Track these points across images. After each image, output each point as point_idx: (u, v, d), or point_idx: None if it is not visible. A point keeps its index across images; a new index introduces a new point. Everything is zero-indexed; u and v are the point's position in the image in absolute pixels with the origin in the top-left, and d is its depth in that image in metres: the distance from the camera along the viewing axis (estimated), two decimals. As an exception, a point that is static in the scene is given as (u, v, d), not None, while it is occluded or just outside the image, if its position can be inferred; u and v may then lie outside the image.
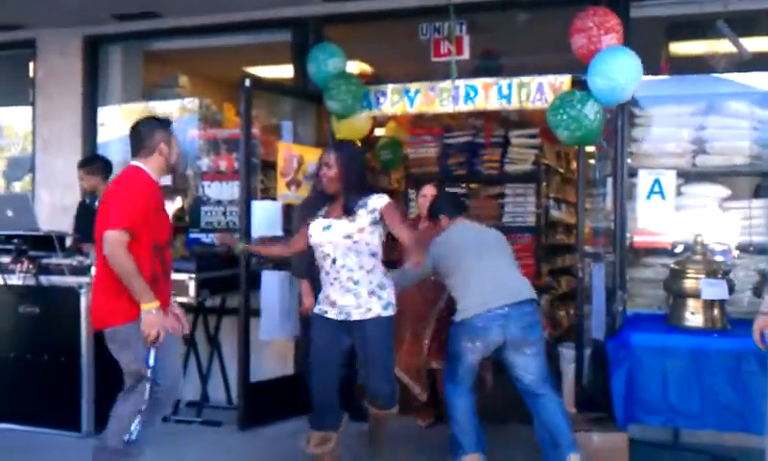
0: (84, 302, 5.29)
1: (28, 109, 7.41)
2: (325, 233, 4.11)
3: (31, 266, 5.41)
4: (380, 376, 4.19)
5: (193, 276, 5.43)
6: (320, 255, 4.16)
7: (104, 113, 7.22)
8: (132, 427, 3.72)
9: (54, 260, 5.45)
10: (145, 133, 3.91)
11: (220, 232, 4.95)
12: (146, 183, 3.82)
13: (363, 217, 4.05)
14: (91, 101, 7.19)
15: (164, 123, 4.04)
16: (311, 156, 6.08)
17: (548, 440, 4.36)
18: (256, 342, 5.69)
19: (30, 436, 5.32)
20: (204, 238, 6.52)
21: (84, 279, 5.30)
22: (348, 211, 4.06)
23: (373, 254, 4.10)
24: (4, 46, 7.47)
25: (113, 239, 3.62)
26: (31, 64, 7.37)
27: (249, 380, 5.60)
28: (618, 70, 4.68)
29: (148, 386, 3.74)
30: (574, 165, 7.06)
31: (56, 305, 5.41)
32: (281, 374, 5.99)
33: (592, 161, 5.90)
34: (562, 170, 8.29)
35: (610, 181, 5.25)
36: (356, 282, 4.06)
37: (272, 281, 5.76)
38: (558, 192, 8.14)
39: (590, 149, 5.66)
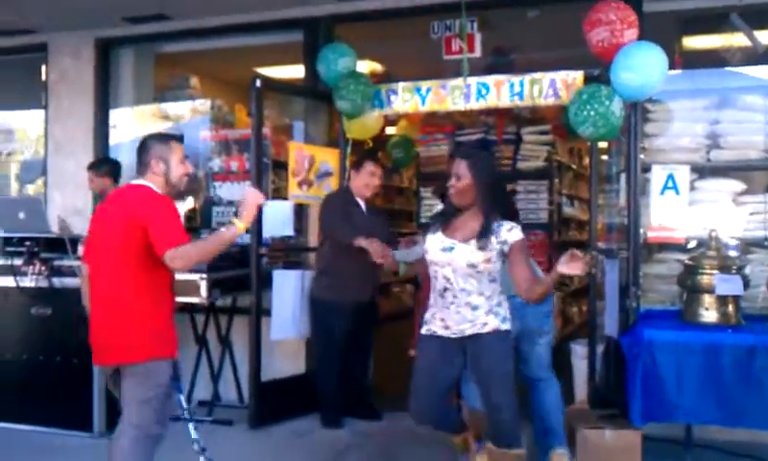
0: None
1: (40, 112, 7.44)
2: (445, 255, 3.74)
3: (43, 268, 5.42)
4: (500, 397, 3.69)
5: (204, 276, 5.42)
6: (433, 273, 3.83)
7: (115, 116, 7.25)
8: None
9: (66, 262, 5.46)
10: (141, 151, 3.71)
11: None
12: (170, 201, 3.61)
13: (492, 248, 3.68)
14: (103, 103, 7.22)
15: (165, 139, 3.80)
16: (322, 155, 6.08)
17: (542, 433, 4.41)
18: (267, 341, 5.68)
19: (43, 437, 5.34)
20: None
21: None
22: (482, 237, 3.67)
23: (494, 281, 3.77)
24: (16, 50, 7.51)
25: (179, 256, 3.40)
26: (43, 68, 7.40)
27: (260, 379, 5.59)
28: (648, 64, 4.62)
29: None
30: (587, 161, 7.00)
31: (68, 307, 5.40)
32: (292, 373, 5.98)
33: (605, 157, 5.85)
34: (574, 166, 8.24)
35: (623, 176, 5.20)
36: (475, 308, 3.73)
37: (283, 281, 5.75)
38: (570, 189, 8.09)
39: (603, 145, 5.61)
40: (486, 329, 3.72)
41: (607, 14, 4.77)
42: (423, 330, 3.89)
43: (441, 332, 3.81)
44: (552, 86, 5.38)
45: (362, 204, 5.59)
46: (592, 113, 4.70)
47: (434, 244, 3.79)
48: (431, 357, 3.83)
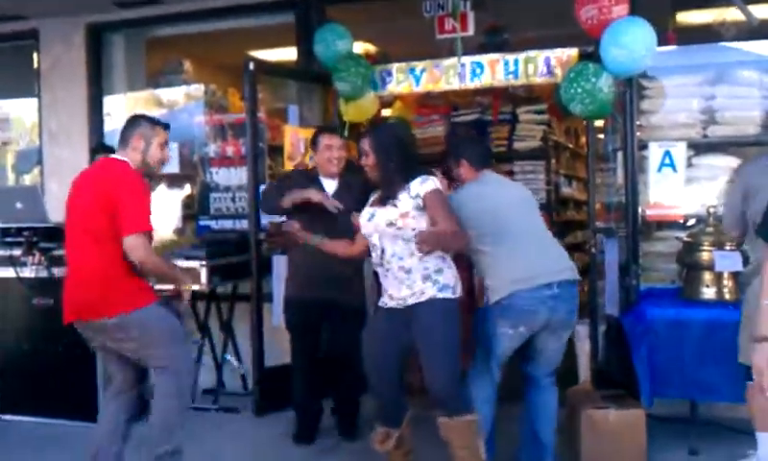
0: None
1: (33, 100, 7.40)
2: (370, 223, 3.83)
3: (42, 258, 5.41)
4: (435, 367, 3.69)
5: (204, 263, 5.42)
6: (371, 249, 3.89)
7: (109, 102, 7.21)
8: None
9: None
10: (127, 126, 3.92)
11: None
12: (142, 180, 3.82)
13: (405, 202, 3.72)
14: (96, 90, 7.19)
15: (152, 121, 3.98)
16: (318, 138, 6.06)
17: (530, 435, 4.15)
18: (270, 328, 5.69)
19: (45, 427, 5.36)
20: (214, 225, 6.52)
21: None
22: (386, 200, 3.78)
23: None
24: (7, 37, 7.45)
25: (141, 244, 3.64)
26: (35, 55, 7.35)
27: (263, 366, 5.61)
28: (636, 40, 4.61)
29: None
30: (583, 140, 7.00)
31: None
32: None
33: (602, 136, 5.85)
34: (571, 146, 8.23)
35: (620, 155, 5.21)
36: (408, 271, 3.73)
37: (283, 266, 5.74)
38: (568, 168, 8.08)
39: (599, 123, 5.62)
40: (423, 298, 3.72)
41: None
42: (379, 303, 3.95)
43: (388, 303, 3.85)
44: (547, 64, 5.39)
45: (329, 182, 4.99)
46: (579, 91, 4.75)
47: (362, 218, 3.90)
48: (380, 326, 3.93)
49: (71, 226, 3.86)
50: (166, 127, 4.03)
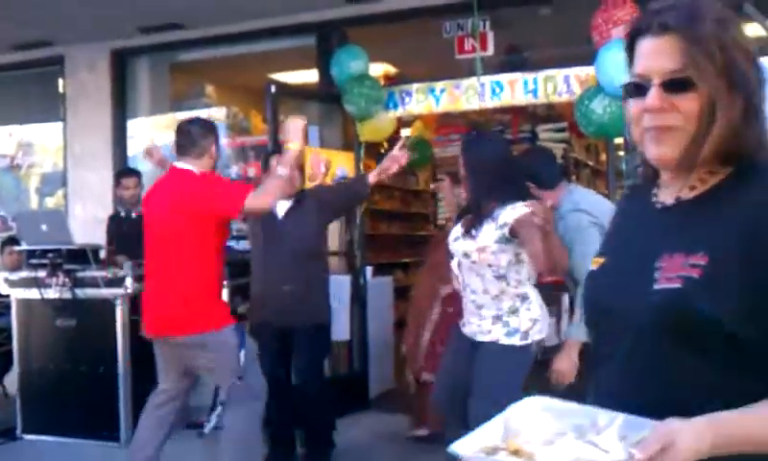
0: (119, 313, 5.35)
1: (58, 125, 7.52)
2: (455, 244, 3.51)
3: (66, 279, 5.46)
4: (478, 414, 3.22)
5: (225, 282, 5.45)
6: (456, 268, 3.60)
7: (133, 126, 7.31)
8: None
9: (89, 273, 5.50)
10: (199, 135, 3.91)
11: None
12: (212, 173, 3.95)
13: (487, 234, 3.33)
14: (120, 114, 7.30)
15: (213, 126, 4.09)
16: (338, 159, 6.10)
17: None
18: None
19: (68, 447, 5.39)
20: (236, 245, 6.55)
21: (119, 291, 5.36)
22: (472, 226, 3.37)
23: (501, 278, 3.38)
24: (33, 64, 7.59)
25: (250, 202, 3.67)
26: (60, 81, 7.48)
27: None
28: (616, 60, 4.62)
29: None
30: (604, 158, 6.98)
31: (92, 317, 5.47)
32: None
33: (621, 153, 5.84)
34: (591, 163, 8.22)
35: (640, 172, 5.18)
36: (480, 307, 3.43)
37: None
38: (588, 185, 8.05)
39: (619, 141, 5.60)
40: (487, 338, 3.41)
41: (597, 18, 4.83)
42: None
43: (464, 328, 3.57)
44: (566, 83, 5.40)
45: (282, 203, 4.73)
46: (578, 114, 4.83)
47: (452, 235, 3.57)
48: (454, 347, 3.67)
49: (154, 242, 3.90)
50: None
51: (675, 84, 1.25)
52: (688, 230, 1.28)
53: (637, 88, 1.30)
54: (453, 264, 3.58)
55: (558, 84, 5.42)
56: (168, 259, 3.78)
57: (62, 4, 6.16)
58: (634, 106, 1.31)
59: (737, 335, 1.18)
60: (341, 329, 6.00)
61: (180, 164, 3.90)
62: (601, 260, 1.44)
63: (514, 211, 3.24)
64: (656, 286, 1.24)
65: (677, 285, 1.22)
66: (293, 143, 3.83)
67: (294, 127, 3.85)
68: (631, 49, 1.34)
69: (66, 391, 5.49)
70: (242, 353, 3.91)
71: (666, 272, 1.24)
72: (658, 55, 1.27)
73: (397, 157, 4.58)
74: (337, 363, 6.34)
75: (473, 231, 3.35)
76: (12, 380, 6.10)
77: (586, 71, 5.28)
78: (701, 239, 1.24)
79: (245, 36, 6.83)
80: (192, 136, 3.91)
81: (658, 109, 1.26)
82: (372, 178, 4.74)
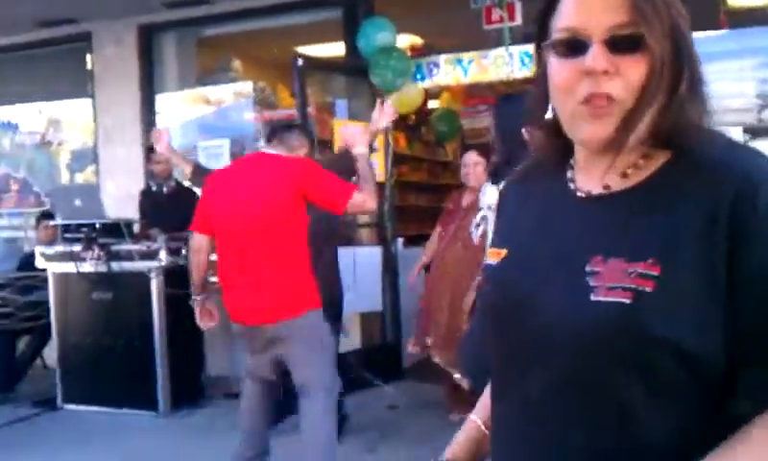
0: (154, 285, 5.43)
1: (87, 101, 7.58)
2: (483, 198, 3.52)
3: (101, 253, 5.54)
4: None
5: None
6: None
7: (160, 101, 7.35)
8: None
9: (123, 246, 5.58)
10: (296, 137, 3.81)
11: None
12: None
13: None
14: (148, 89, 7.32)
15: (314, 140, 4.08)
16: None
17: None
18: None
19: (106, 416, 5.50)
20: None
21: (154, 264, 5.43)
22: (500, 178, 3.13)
23: None
24: (60, 41, 7.63)
25: (359, 198, 3.54)
26: (88, 57, 7.53)
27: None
28: None
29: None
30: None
31: (128, 290, 5.55)
32: (349, 348, 6.04)
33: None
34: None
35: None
36: None
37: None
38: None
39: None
40: None
41: None
42: None
43: None
44: (596, 52, 5.37)
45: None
46: None
47: (484, 193, 3.57)
48: (476, 317, 3.64)
49: (243, 227, 3.56)
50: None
51: (621, 42, 0.98)
52: (628, 230, 1.01)
53: (571, 46, 1.01)
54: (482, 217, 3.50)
55: (588, 54, 5.39)
56: (262, 247, 3.49)
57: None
58: (565, 69, 1.02)
59: (697, 359, 0.93)
60: (373, 301, 6.06)
61: (269, 149, 3.74)
62: (502, 253, 1.15)
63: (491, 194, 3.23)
64: (593, 297, 0.97)
65: (625, 300, 0.95)
66: (359, 148, 3.75)
67: (350, 132, 3.89)
68: None
69: (104, 362, 5.59)
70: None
71: (604, 280, 0.97)
72: (599, 5, 1.00)
73: (383, 115, 4.20)
74: (370, 334, 6.40)
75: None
76: (50, 352, 6.21)
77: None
78: (648, 242, 0.98)
79: (271, 10, 6.81)
80: (288, 133, 3.84)
81: (602, 71, 0.98)
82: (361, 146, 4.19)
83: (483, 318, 1.25)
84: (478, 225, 3.60)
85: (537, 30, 1.09)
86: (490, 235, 3.52)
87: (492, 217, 3.41)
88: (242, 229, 3.51)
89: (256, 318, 3.53)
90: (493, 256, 1.16)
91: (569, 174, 1.12)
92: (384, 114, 4.09)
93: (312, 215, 3.94)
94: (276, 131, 3.91)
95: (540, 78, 1.10)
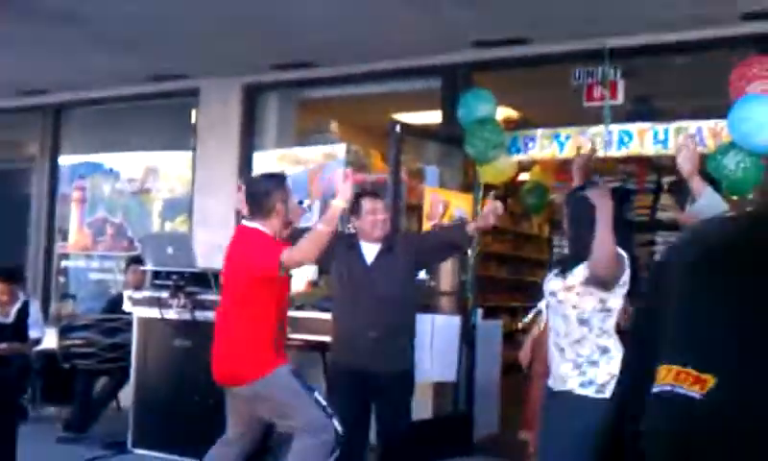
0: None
1: (185, 153, 7.82)
2: (546, 285, 3.47)
3: (187, 301, 5.61)
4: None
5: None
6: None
7: (258, 158, 7.50)
8: None
9: (209, 297, 5.62)
10: (262, 195, 3.91)
11: None
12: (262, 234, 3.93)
13: (577, 274, 3.27)
14: (248, 147, 7.51)
15: (280, 180, 4.02)
16: (456, 201, 6.08)
17: None
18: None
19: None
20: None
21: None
22: (567, 267, 3.35)
23: (584, 322, 3.27)
24: (170, 95, 7.93)
25: (292, 252, 3.71)
26: (193, 112, 7.78)
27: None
28: (749, 115, 4.45)
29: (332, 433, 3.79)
30: (733, 215, 6.67)
31: (209, 340, 5.52)
32: (420, 417, 5.91)
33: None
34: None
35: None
36: (561, 350, 3.33)
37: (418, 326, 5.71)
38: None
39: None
40: (562, 387, 3.29)
41: (738, 72, 4.65)
42: None
43: (551, 382, 3.44)
44: (698, 135, 5.20)
45: (370, 246, 4.62)
46: (709, 169, 4.59)
47: (547, 278, 3.53)
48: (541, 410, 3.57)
49: (222, 294, 4.08)
50: (285, 178, 4.16)
51: None
52: None
53: None
54: (541, 304, 3.53)
55: (689, 137, 5.24)
56: (227, 313, 3.93)
57: (200, 38, 6.42)
58: None
59: None
60: (448, 371, 5.93)
61: (246, 222, 3.98)
62: (707, 379, 0.75)
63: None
64: None
65: None
66: (338, 200, 3.84)
67: (344, 184, 3.89)
68: None
69: (178, 409, 5.62)
70: (316, 393, 3.88)
71: None
72: None
73: (492, 210, 4.47)
74: (442, 404, 6.26)
75: (565, 272, 3.33)
76: (126, 395, 6.30)
77: (720, 124, 5.09)
78: None
79: (371, 76, 6.94)
80: (257, 198, 3.92)
81: None
82: (470, 229, 4.59)
83: None
84: (540, 312, 3.57)
85: None
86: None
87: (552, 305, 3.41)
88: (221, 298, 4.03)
89: (218, 379, 4.00)
90: (681, 380, 0.77)
91: None
92: (493, 214, 4.27)
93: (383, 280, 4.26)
94: (248, 205, 4.00)
95: None
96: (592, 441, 0.96)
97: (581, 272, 3.24)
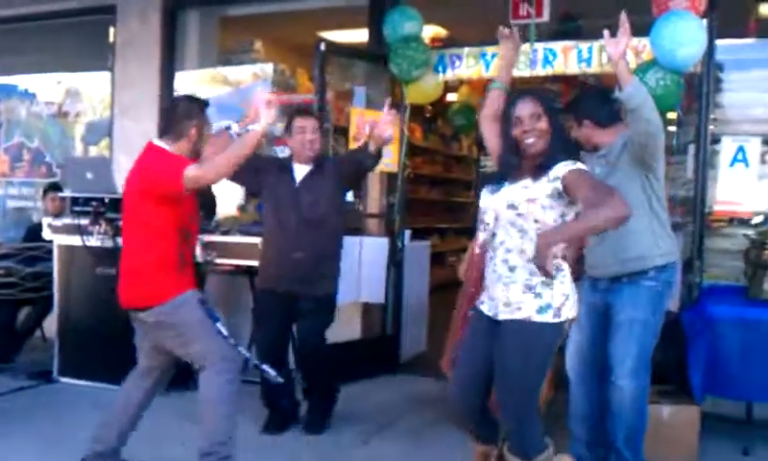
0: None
1: (105, 74, 7.55)
2: (491, 198, 3.22)
3: (108, 228, 5.49)
4: (508, 402, 3.14)
5: (264, 239, 5.44)
6: (480, 225, 3.29)
7: (179, 79, 7.30)
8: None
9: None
10: (177, 115, 3.79)
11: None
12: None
13: (540, 186, 3.08)
14: (168, 67, 7.28)
15: (200, 106, 3.86)
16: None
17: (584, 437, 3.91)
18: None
19: (102, 392, 5.43)
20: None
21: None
22: (537, 173, 3.10)
23: None
24: (85, 12, 7.61)
25: (193, 171, 3.56)
26: (111, 30, 7.49)
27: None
28: (674, 34, 4.47)
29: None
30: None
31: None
32: (348, 338, 6.00)
33: (672, 128, 5.68)
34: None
35: (691, 148, 5.04)
36: (512, 269, 3.12)
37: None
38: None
39: (671, 115, 5.44)
40: (516, 315, 3.09)
41: None
42: (477, 302, 3.36)
43: (483, 305, 3.28)
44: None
45: (302, 168, 4.70)
46: None
47: (486, 190, 3.30)
48: (472, 334, 3.34)
49: (124, 216, 3.93)
50: (207, 105, 3.95)
51: None
52: None
53: None
54: (488, 217, 3.22)
55: (612, 55, 5.25)
56: (130, 235, 3.81)
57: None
58: None
59: None
60: (376, 293, 5.99)
61: (157, 141, 3.84)
62: None
63: (565, 166, 3.04)
64: None
65: None
66: (257, 125, 3.63)
67: (266, 109, 3.64)
68: None
69: (103, 337, 5.55)
70: (219, 324, 3.79)
71: None
72: None
73: (388, 121, 4.46)
74: (371, 326, 6.34)
75: (525, 183, 3.12)
76: (50, 324, 6.21)
77: (643, 42, 5.10)
78: None
79: (296, -7, 6.77)
80: (171, 117, 3.82)
81: None
82: (372, 147, 4.56)
83: None
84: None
85: None
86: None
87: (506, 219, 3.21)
88: (123, 221, 3.92)
89: (122, 302, 3.86)
90: None
91: None
92: (390, 125, 4.33)
93: (309, 200, 4.19)
94: (162, 124, 3.95)
95: None
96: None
97: (543, 184, 3.06)
